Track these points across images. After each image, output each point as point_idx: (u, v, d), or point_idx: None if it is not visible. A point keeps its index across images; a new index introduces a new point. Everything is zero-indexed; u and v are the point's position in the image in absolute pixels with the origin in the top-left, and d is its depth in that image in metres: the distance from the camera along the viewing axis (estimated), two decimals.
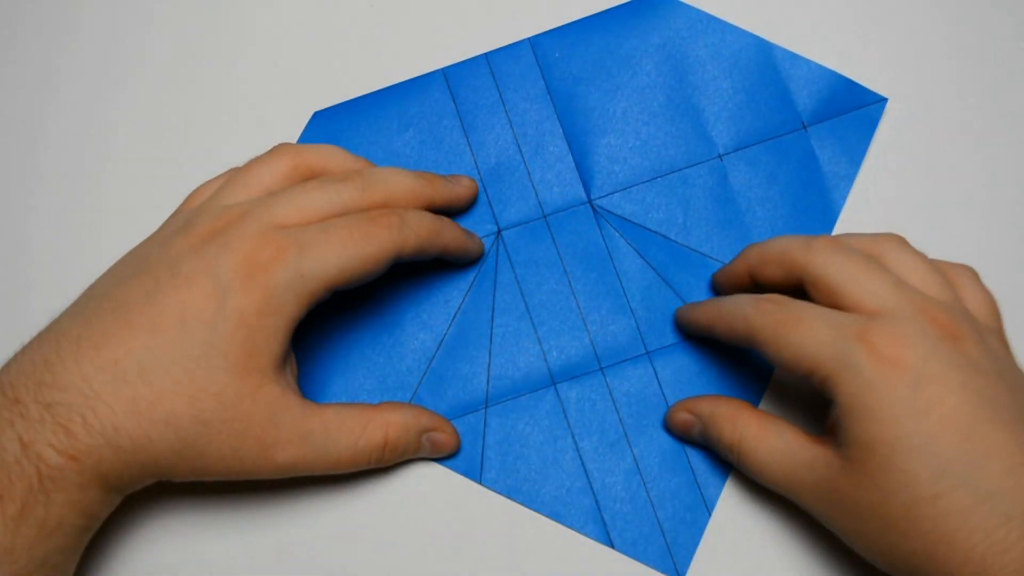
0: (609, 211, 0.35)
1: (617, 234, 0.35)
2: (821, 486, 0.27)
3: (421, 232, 0.30)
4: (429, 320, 0.34)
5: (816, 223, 0.35)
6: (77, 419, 0.26)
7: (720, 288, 0.33)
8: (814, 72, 0.36)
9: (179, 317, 0.27)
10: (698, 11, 0.36)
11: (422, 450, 0.32)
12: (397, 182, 0.31)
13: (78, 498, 0.27)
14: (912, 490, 0.25)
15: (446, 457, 0.33)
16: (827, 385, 0.27)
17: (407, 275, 0.34)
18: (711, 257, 0.34)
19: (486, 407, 0.33)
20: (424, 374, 0.34)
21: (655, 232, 0.35)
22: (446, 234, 0.32)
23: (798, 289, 0.29)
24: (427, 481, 0.33)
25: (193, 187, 0.33)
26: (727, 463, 0.32)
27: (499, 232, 0.35)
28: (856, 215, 0.35)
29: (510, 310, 0.34)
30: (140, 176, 0.36)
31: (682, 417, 0.32)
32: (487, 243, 0.35)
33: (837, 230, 0.35)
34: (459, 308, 0.34)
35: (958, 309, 0.28)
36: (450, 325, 0.34)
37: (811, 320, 0.27)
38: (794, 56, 0.36)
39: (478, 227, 0.35)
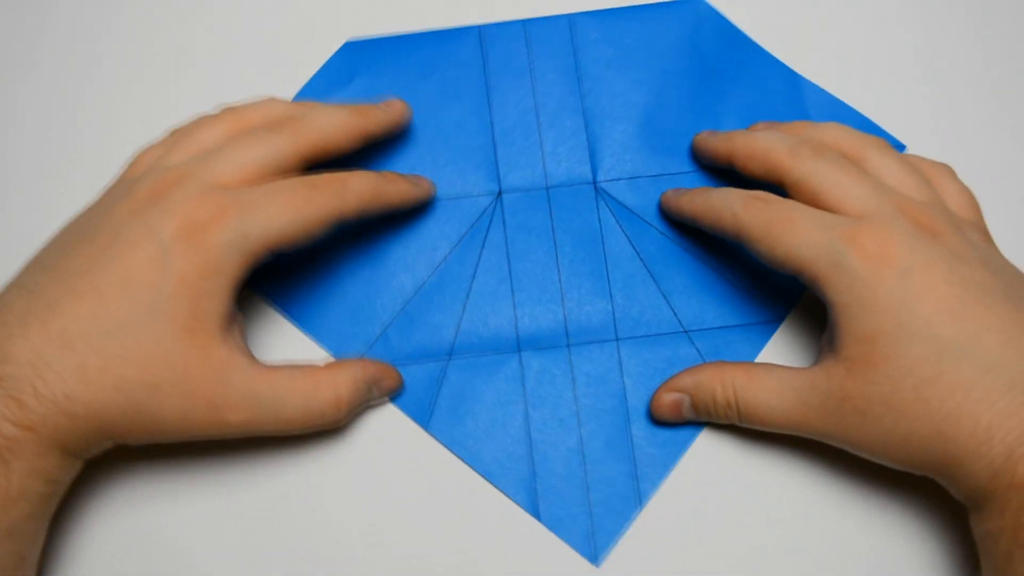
0: (611, 196, 0.35)
1: (614, 219, 0.35)
2: (828, 401, 0.28)
3: (363, 195, 0.31)
4: (413, 263, 0.35)
5: None
6: (28, 390, 0.26)
7: (696, 151, 0.35)
8: (836, 108, 0.36)
9: (123, 283, 0.27)
10: (737, 31, 0.37)
11: (372, 400, 0.32)
12: (329, 122, 0.31)
13: (38, 465, 0.27)
14: (917, 373, 0.26)
15: (393, 397, 0.33)
16: (819, 284, 0.28)
17: (399, 217, 0.35)
18: (702, 262, 0.35)
19: (449, 358, 0.34)
20: (397, 314, 0.34)
21: (651, 225, 0.35)
22: (390, 191, 0.32)
23: (776, 186, 0.30)
24: (378, 423, 0.33)
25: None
26: (675, 455, 0.32)
27: (500, 193, 0.35)
28: None
29: (493, 270, 0.35)
30: (167, 99, 0.37)
31: (669, 398, 0.32)
32: (487, 202, 0.35)
33: None
34: (444, 258, 0.35)
35: (937, 206, 0.29)
36: (432, 273, 0.35)
37: (801, 220, 0.28)
38: (820, 90, 0.36)
39: (481, 185, 0.35)
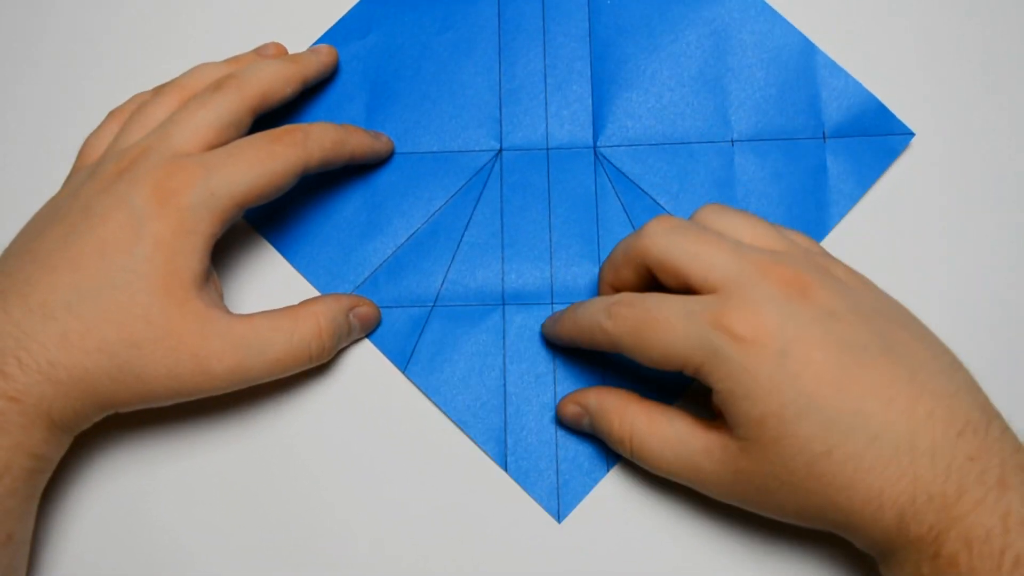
0: (610, 161, 0.35)
1: (610, 185, 0.35)
2: (722, 470, 0.27)
3: (325, 144, 0.32)
4: (408, 211, 0.35)
5: (806, 230, 0.34)
6: (12, 361, 0.27)
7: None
8: (850, 87, 0.35)
9: (98, 251, 0.28)
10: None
11: (353, 329, 0.33)
12: (268, 72, 0.33)
13: (23, 440, 0.27)
14: (808, 450, 0.25)
15: (369, 330, 0.34)
16: (700, 375, 0.27)
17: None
18: None
19: (433, 305, 0.34)
20: (387, 259, 0.35)
21: (647, 194, 0.35)
22: (351, 142, 0.33)
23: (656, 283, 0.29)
24: (357, 368, 0.34)
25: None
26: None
27: (500, 151, 0.36)
28: (848, 235, 0.34)
29: (485, 224, 0.35)
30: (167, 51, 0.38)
31: (571, 410, 0.32)
32: (486, 158, 0.36)
33: (825, 244, 0.34)
34: (439, 209, 0.35)
35: (796, 254, 0.28)
36: (426, 221, 0.35)
37: (665, 316, 0.27)
38: (835, 66, 0.35)
39: (483, 142, 0.36)
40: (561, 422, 0.32)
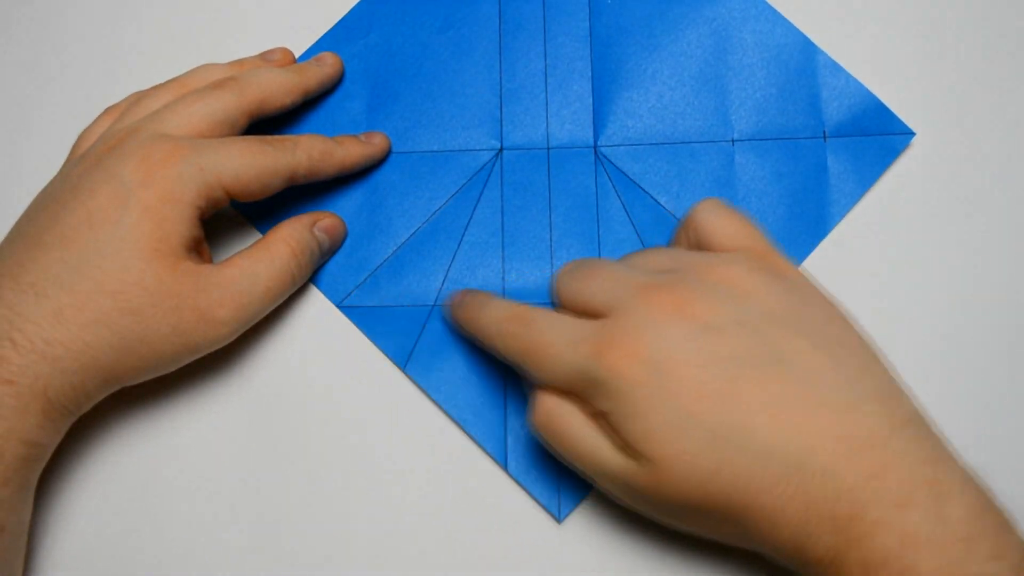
0: (610, 161, 0.35)
1: (611, 184, 0.35)
2: (630, 483, 0.26)
3: (312, 154, 0.32)
4: (408, 210, 0.35)
5: (806, 230, 0.34)
6: (6, 343, 0.27)
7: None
8: (851, 87, 0.35)
9: (87, 223, 0.28)
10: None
11: (322, 243, 0.33)
12: (269, 79, 0.33)
13: (17, 425, 0.27)
14: (699, 468, 0.24)
15: (339, 242, 0.34)
16: (587, 399, 0.26)
17: (398, 167, 0.36)
18: None
19: (433, 304, 0.34)
20: (388, 258, 0.35)
21: (647, 193, 0.35)
22: (339, 153, 0.33)
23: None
24: (356, 364, 0.34)
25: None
26: None
27: (500, 150, 0.36)
28: (848, 235, 0.34)
29: (486, 224, 0.35)
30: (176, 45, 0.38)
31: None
32: (487, 157, 0.36)
33: (826, 244, 0.34)
34: (439, 208, 0.35)
35: (682, 271, 0.27)
36: (426, 221, 0.35)
37: (550, 344, 0.27)
38: (836, 65, 0.35)
39: (483, 141, 0.36)
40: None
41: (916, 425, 0.25)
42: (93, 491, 0.33)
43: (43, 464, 0.29)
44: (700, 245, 0.29)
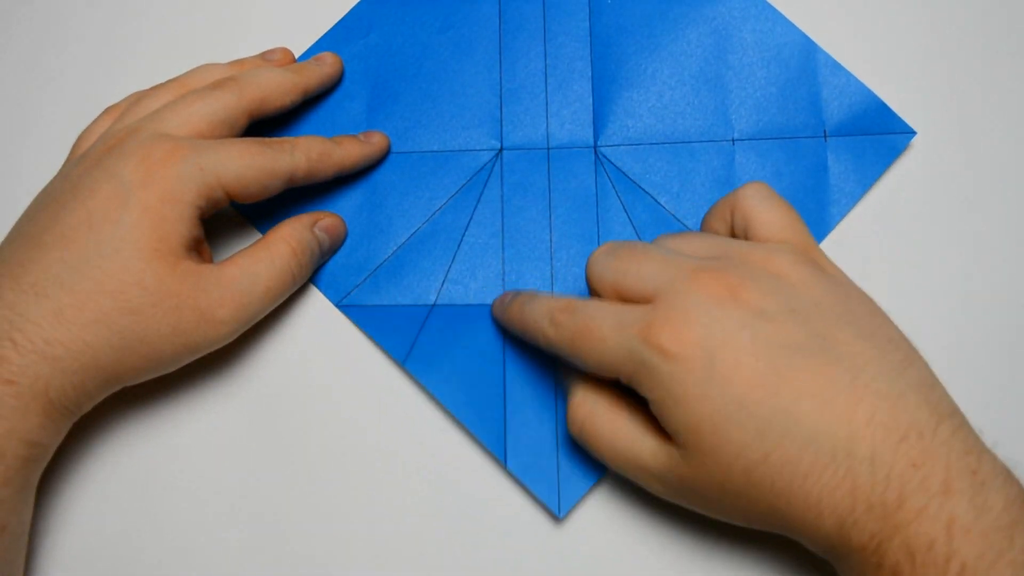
0: (610, 161, 0.35)
1: (611, 184, 0.35)
2: (667, 474, 0.27)
3: (311, 155, 0.32)
4: (408, 210, 0.35)
5: None
6: (7, 343, 0.27)
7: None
8: (851, 86, 0.35)
9: (87, 223, 0.28)
10: None
11: (322, 243, 0.34)
12: (269, 79, 0.33)
13: (18, 424, 0.27)
14: (745, 456, 0.24)
15: (339, 242, 0.34)
16: (633, 385, 0.27)
17: (398, 167, 0.36)
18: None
19: (433, 304, 0.34)
20: (388, 258, 0.35)
21: (647, 193, 0.35)
22: (338, 154, 0.33)
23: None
24: (358, 365, 0.34)
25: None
26: None
27: (500, 150, 0.36)
28: (849, 234, 0.34)
29: (486, 224, 0.35)
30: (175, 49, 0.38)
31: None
32: (487, 157, 0.36)
33: (826, 244, 0.34)
34: (439, 208, 0.35)
35: (730, 258, 0.27)
36: (426, 221, 0.35)
37: (598, 328, 0.27)
38: (836, 64, 0.35)
39: (483, 141, 0.36)
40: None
41: (957, 418, 0.25)
42: (94, 491, 0.33)
43: (44, 464, 0.29)
44: (744, 231, 0.29)
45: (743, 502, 0.25)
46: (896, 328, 0.27)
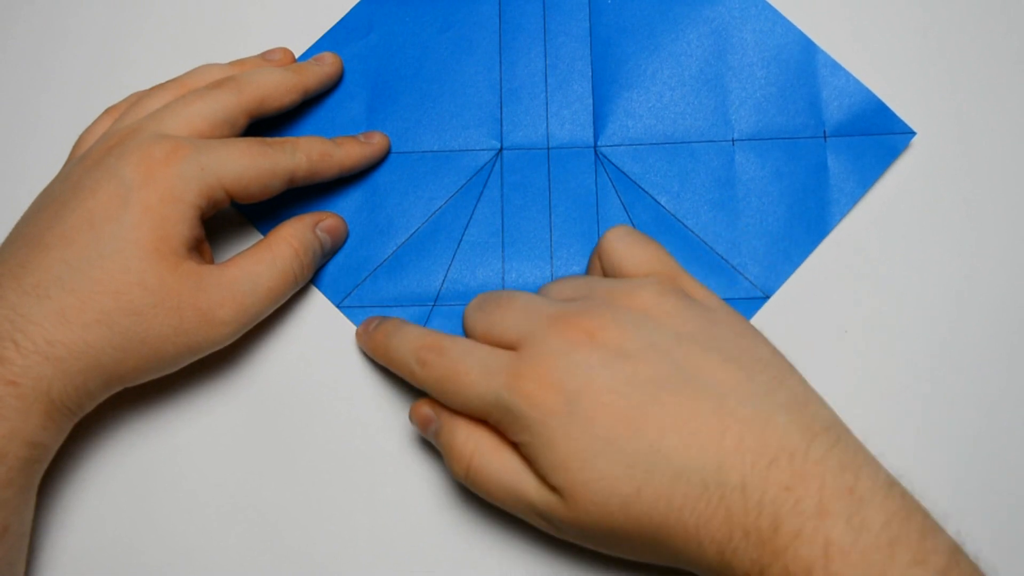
0: (610, 161, 0.35)
1: (611, 184, 0.35)
2: (552, 515, 0.27)
3: (312, 156, 0.32)
4: (408, 210, 0.35)
5: (807, 230, 0.34)
6: (9, 345, 0.27)
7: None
8: (851, 86, 0.35)
9: (87, 223, 0.28)
10: None
11: (324, 244, 0.34)
12: (269, 79, 0.33)
13: (20, 425, 0.27)
14: (618, 492, 0.24)
15: (340, 243, 0.34)
16: (501, 429, 0.27)
17: (398, 167, 0.36)
18: (693, 231, 0.34)
19: (433, 304, 0.34)
20: (388, 258, 0.35)
21: (647, 193, 0.35)
22: (339, 154, 0.33)
23: None
24: (358, 366, 0.34)
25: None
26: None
27: (500, 150, 0.36)
28: (849, 234, 0.34)
29: (486, 224, 0.35)
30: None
31: (422, 413, 0.30)
32: (487, 157, 0.36)
33: (826, 244, 0.34)
34: (439, 208, 0.35)
35: (593, 299, 0.28)
36: (426, 221, 0.35)
37: (466, 372, 0.27)
38: (836, 65, 0.35)
39: (483, 141, 0.36)
40: (413, 421, 0.30)
41: (835, 433, 0.25)
42: (94, 491, 0.33)
43: (46, 465, 0.29)
44: (611, 271, 0.30)
45: (626, 538, 0.25)
46: (767, 346, 0.27)
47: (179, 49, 0.38)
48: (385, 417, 0.33)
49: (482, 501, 0.32)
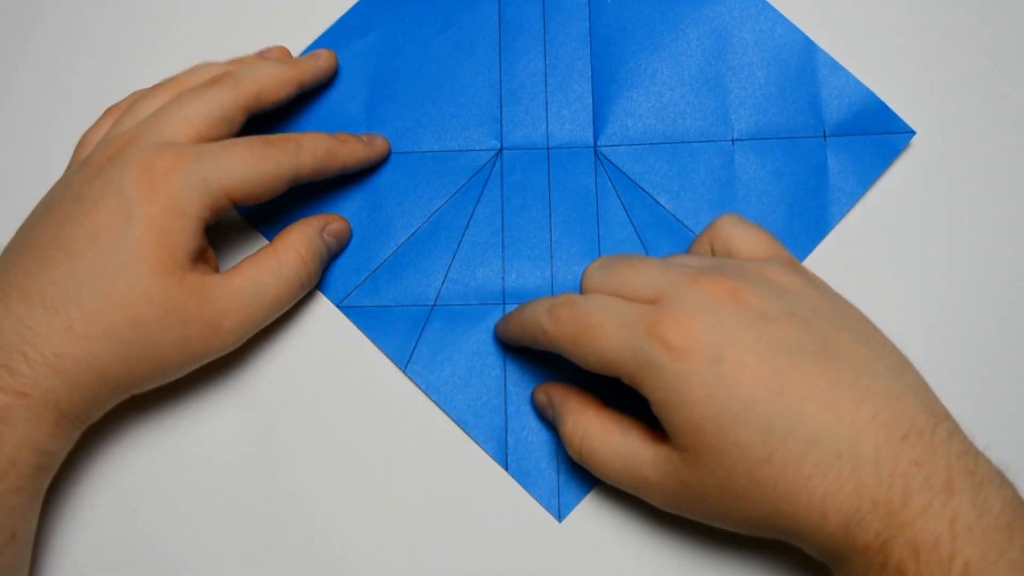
0: (610, 161, 0.35)
1: (611, 184, 0.35)
2: (667, 482, 0.27)
3: (317, 154, 0.32)
4: (408, 210, 0.35)
5: (807, 229, 0.34)
6: (18, 357, 0.27)
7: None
8: (851, 85, 0.35)
9: (92, 237, 0.28)
10: None
11: (331, 248, 0.34)
12: (265, 74, 0.33)
13: (30, 435, 0.27)
14: (748, 456, 0.25)
15: (344, 246, 0.35)
16: (635, 384, 0.27)
17: (398, 167, 0.36)
18: (693, 231, 0.34)
19: (433, 304, 0.34)
20: (387, 258, 0.35)
21: (647, 193, 0.35)
22: (343, 152, 0.33)
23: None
24: (358, 367, 0.34)
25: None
26: None
27: (500, 150, 0.36)
28: (849, 234, 0.34)
29: (486, 224, 0.35)
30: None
31: (541, 398, 0.32)
32: (487, 157, 0.36)
33: (827, 243, 0.34)
34: (439, 208, 0.35)
35: (725, 264, 0.28)
36: (426, 221, 0.35)
37: (601, 324, 0.27)
38: (836, 64, 0.35)
39: (483, 141, 0.36)
40: (533, 406, 0.33)
41: (951, 421, 0.25)
42: (99, 496, 0.33)
43: (53, 473, 0.29)
44: (727, 253, 0.30)
45: (745, 504, 0.25)
46: (886, 336, 0.27)
47: (179, 49, 0.38)
48: (385, 417, 0.33)
49: (481, 503, 0.32)
